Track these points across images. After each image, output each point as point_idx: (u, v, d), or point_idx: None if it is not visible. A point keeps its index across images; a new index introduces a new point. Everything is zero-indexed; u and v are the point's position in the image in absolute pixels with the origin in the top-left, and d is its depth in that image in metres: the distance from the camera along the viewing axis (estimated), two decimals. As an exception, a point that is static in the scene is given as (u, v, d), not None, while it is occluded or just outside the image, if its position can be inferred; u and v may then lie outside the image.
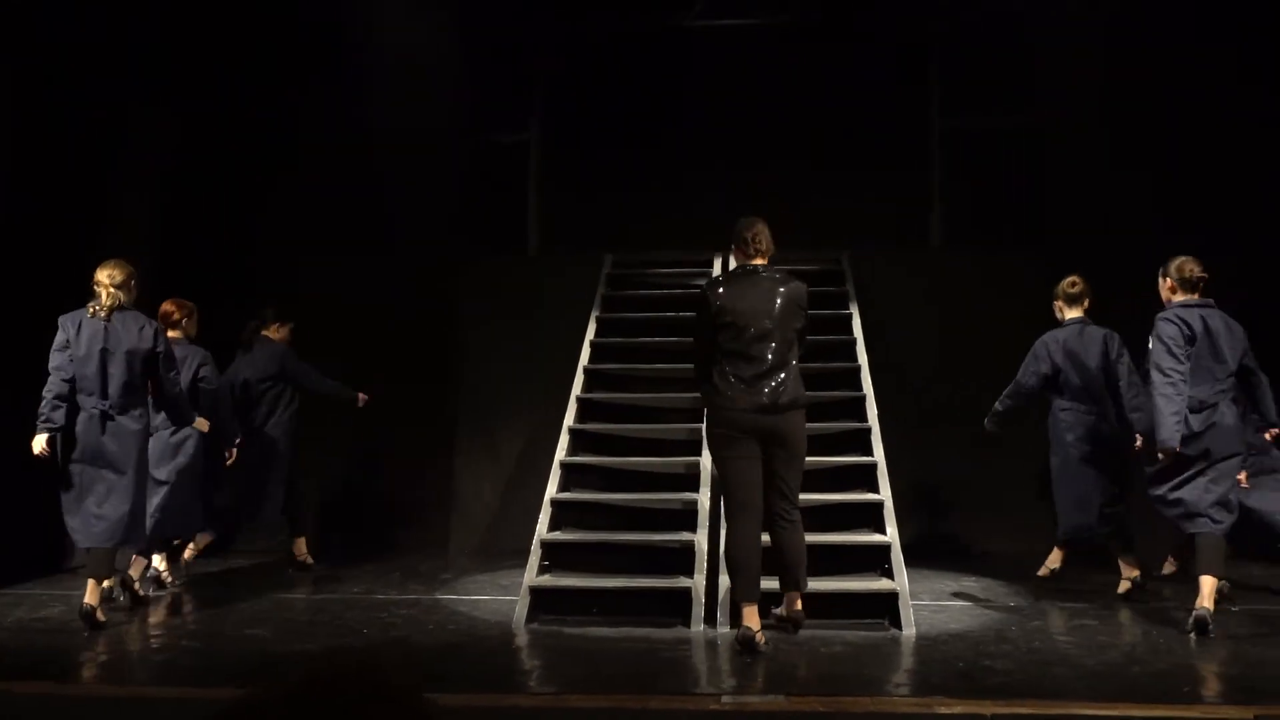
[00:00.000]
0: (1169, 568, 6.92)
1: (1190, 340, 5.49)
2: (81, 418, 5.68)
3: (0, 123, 6.94)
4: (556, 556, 6.22)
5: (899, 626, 5.54)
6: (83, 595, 5.63)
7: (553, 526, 6.34)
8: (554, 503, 6.43)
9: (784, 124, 9.01)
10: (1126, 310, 6.44)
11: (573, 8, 9.04)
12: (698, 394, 5.64)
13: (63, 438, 5.69)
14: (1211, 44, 7.80)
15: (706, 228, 7.93)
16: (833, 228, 8.65)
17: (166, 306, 6.75)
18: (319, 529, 8.06)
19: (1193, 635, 5.28)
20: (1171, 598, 6.31)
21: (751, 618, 5.10)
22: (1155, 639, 5.34)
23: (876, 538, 6.10)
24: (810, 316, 5.47)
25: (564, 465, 6.74)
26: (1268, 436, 6.07)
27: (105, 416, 5.68)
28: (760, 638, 5.07)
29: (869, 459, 6.58)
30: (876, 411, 6.90)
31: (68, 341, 5.68)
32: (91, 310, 5.72)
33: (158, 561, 6.68)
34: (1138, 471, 6.25)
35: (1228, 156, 7.88)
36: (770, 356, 5.21)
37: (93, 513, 5.65)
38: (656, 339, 7.96)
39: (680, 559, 6.00)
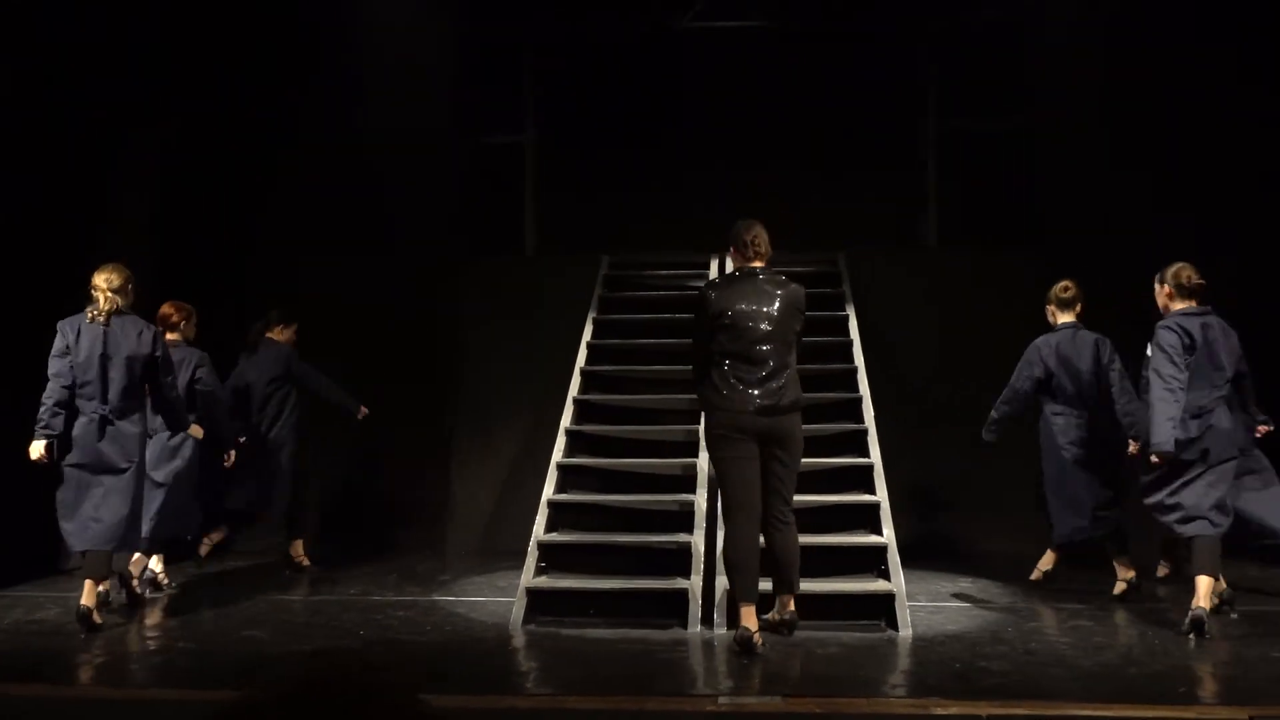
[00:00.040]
0: (1163, 570, 6.93)
1: (1190, 349, 5.53)
2: (81, 422, 5.68)
3: (0, 122, 6.94)
4: (553, 558, 6.22)
5: (895, 628, 5.55)
6: (79, 597, 5.62)
7: (550, 528, 6.35)
8: (551, 504, 6.44)
9: (780, 125, 9.01)
10: (1125, 310, 6.45)
11: (569, 10, 9.04)
12: (694, 395, 5.64)
13: (60, 441, 5.69)
14: (1211, 44, 7.81)
15: (702, 229, 7.93)
16: (829, 229, 8.66)
17: (165, 309, 6.76)
18: (320, 530, 8.06)
19: (1190, 636, 5.29)
20: (1166, 599, 6.33)
21: (749, 618, 5.11)
22: (1151, 640, 5.35)
23: (873, 539, 6.10)
24: (806, 318, 5.49)
25: (561, 467, 6.74)
26: (1258, 433, 6.09)
27: (105, 421, 5.68)
28: (758, 638, 5.08)
29: (865, 460, 6.59)
30: (873, 412, 6.90)
31: (67, 348, 5.67)
32: (90, 315, 5.71)
33: (154, 564, 6.67)
34: (1131, 474, 6.29)
35: (1227, 157, 7.89)
36: (772, 359, 5.24)
37: (90, 516, 5.65)
38: (653, 341, 7.96)
39: (677, 560, 6.00)
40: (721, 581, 5.69)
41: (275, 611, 6.21)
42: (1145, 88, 7.96)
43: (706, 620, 5.64)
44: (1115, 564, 6.40)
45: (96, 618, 5.58)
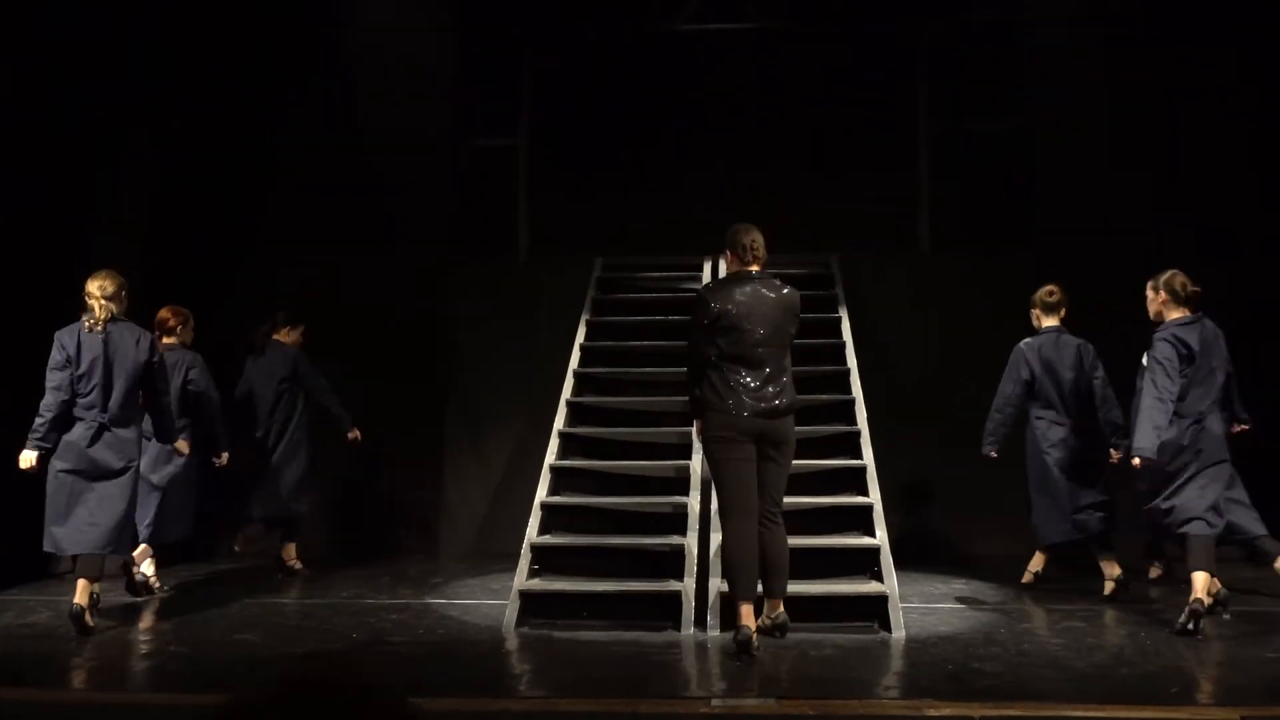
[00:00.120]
0: (1155, 572, 6.96)
1: (1189, 359, 5.60)
2: (78, 429, 5.65)
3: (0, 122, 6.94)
4: (546, 560, 6.21)
5: (888, 629, 5.55)
6: (71, 601, 5.60)
7: (542, 530, 6.34)
8: (544, 506, 6.43)
9: (777, 126, 8.99)
10: (1123, 311, 6.45)
11: (563, 11, 9.04)
12: (687, 397, 5.64)
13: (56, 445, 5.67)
14: (1211, 44, 7.82)
15: (696, 231, 7.94)
16: (822, 231, 8.65)
17: (163, 313, 6.76)
18: (314, 531, 8.05)
19: (1189, 625, 5.31)
20: (1159, 600, 6.35)
21: (749, 617, 5.12)
22: (1143, 641, 5.36)
23: (866, 541, 6.11)
24: (800, 321, 5.52)
25: (554, 469, 6.73)
26: (1233, 430, 6.11)
27: (102, 428, 5.67)
28: (755, 639, 5.09)
29: (858, 462, 6.59)
30: (866, 415, 6.91)
31: (67, 360, 5.63)
32: (88, 325, 5.68)
33: (146, 567, 6.66)
34: (1115, 478, 6.33)
35: (1227, 157, 7.91)
36: (770, 362, 5.28)
37: (86, 520, 5.63)
38: (646, 343, 7.96)
39: (670, 562, 6.00)
40: (715, 583, 5.69)
41: (267, 615, 6.20)
42: (1145, 88, 7.96)
43: (700, 622, 5.64)
44: (1101, 564, 6.43)
45: (89, 619, 5.56)
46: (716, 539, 5.74)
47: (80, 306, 5.76)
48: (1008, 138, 8.73)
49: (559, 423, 7.08)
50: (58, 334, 5.70)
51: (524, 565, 6.00)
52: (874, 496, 6.28)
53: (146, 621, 6.10)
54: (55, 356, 5.65)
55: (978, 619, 5.96)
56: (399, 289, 8.58)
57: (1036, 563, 6.82)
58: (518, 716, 4.36)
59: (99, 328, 5.67)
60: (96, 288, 5.71)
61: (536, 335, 8.52)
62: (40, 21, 7.11)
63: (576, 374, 7.58)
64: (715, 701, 4.37)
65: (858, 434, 6.79)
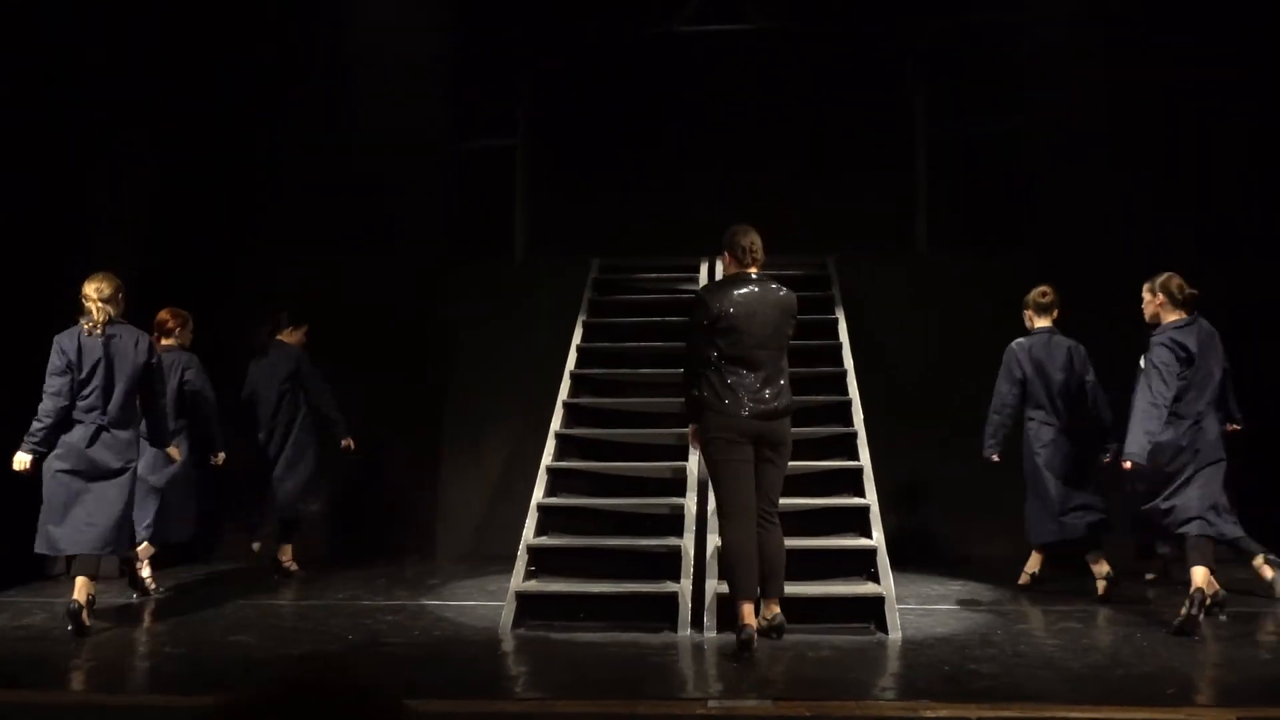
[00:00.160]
0: (1151, 574, 6.95)
1: (1188, 362, 5.61)
2: (77, 430, 5.64)
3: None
4: (543, 561, 6.21)
5: (885, 630, 5.55)
6: (66, 602, 5.60)
7: (539, 531, 6.33)
8: (540, 508, 6.42)
9: (772, 128, 9.00)
10: (1122, 312, 6.45)
11: (562, 11, 9.04)
12: (683, 398, 5.63)
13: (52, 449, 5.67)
14: (1211, 44, 7.82)
15: (694, 232, 7.93)
16: (820, 231, 8.65)
17: (162, 315, 6.77)
18: (320, 533, 8.05)
19: (1192, 610, 5.32)
20: (1154, 601, 6.35)
21: (749, 616, 5.13)
22: (1139, 642, 5.36)
23: (862, 542, 6.11)
24: (797, 323, 5.53)
25: (550, 470, 6.73)
26: (1227, 430, 6.12)
27: (101, 430, 5.66)
28: (755, 638, 5.09)
29: (855, 463, 6.59)
30: (863, 416, 6.91)
31: (68, 365, 5.61)
32: (87, 329, 5.67)
33: (144, 569, 6.65)
34: (1106, 480, 6.34)
35: (1227, 157, 7.91)
36: (768, 364, 5.30)
37: (84, 520, 5.63)
38: (643, 344, 7.96)
39: (667, 563, 5.99)
40: (711, 585, 5.69)
41: (263, 616, 6.19)
42: (1144, 88, 7.95)
43: (697, 623, 5.63)
44: (1090, 564, 6.43)
45: (85, 618, 5.55)
46: (713, 540, 5.74)
47: (77, 309, 5.75)
48: (1006, 138, 8.73)
49: (556, 424, 7.08)
50: (57, 338, 5.68)
51: (521, 566, 6.00)
52: (870, 497, 6.28)
53: (143, 623, 6.09)
54: (55, 361, 5.62)
55: (974, 620, 5.96)
56: (398, 289, 8.58)
57: (1033, 564, 6.83)
58: (514, 718, 4.36)
59: (98, 331, 5.66)
60: (94, 290, 5.70)
61: (534, 336, 8.51)
62: (40, 21, 7.11)
63: (573, 375, 7.58)
64: (712, 703, 4.37)
65: (854, 435, 6.79)
